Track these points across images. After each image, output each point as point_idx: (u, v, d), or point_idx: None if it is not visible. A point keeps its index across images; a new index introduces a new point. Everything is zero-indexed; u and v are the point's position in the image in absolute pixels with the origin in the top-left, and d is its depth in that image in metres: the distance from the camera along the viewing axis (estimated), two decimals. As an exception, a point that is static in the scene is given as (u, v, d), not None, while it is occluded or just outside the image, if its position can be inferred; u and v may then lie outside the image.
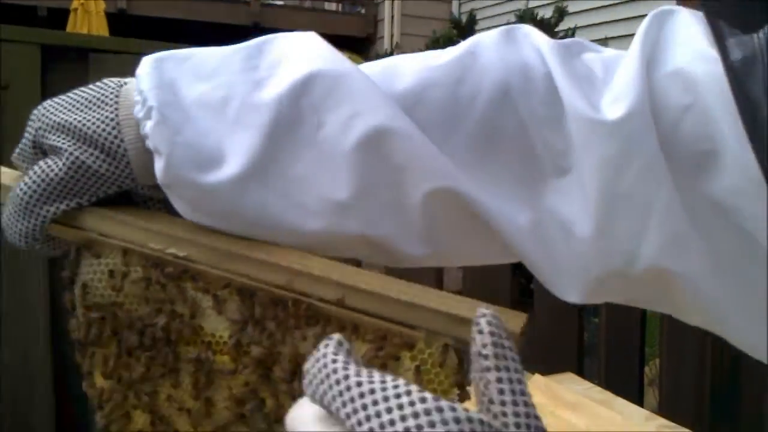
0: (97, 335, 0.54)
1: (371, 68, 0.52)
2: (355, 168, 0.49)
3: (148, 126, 0.48)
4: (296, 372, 0.49)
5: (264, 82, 0.49)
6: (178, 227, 0.51)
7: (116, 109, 0.50)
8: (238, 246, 0.49)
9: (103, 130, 0.49)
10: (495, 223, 0.50)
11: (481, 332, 0.30)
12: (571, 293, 0.52)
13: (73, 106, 0.51)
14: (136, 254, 0.51)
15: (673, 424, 1.07)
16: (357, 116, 0.48)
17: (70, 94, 0.52)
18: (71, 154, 0.49)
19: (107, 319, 0.53)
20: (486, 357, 0.29)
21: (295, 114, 0.49)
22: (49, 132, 0.50)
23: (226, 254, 0.49)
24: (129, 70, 0.52)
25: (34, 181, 0.50)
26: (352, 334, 0.48)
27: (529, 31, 0.53)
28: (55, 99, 0.52)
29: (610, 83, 0.49)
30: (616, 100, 0.47)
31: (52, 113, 0.51)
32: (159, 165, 0.48)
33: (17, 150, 0.53)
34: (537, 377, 1.21)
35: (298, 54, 0.51)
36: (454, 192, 0.49)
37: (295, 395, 0.48)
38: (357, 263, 0.52)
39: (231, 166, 0.48)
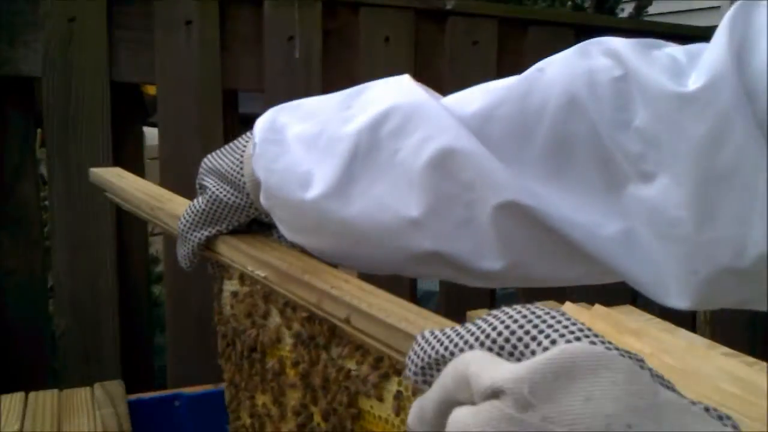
0: (223, 347, 0.68)
1: (449, 98, 0.56)
2: (425, 187, 0.53)
3: (254, 158, 0.60)
4: (326, 387, 0.55)
5: (352, 118, 0.56)
6: (267, 252, 0.61)
7: (243, 151, 0.63)
8: (293, 269, 0.57)
9: (233, 169, 0.63)
10: (577, 236, 0.50)
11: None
12: (680, 300, 0.50)
13: (220, 156, 0.65)
14: (242, 274, 0.63)
15: (734, 351, 1.00)
16: (428, 139, 0.52)
17: (224, 148, 0.66)
18: (211, 190, 0.64)
19: (228, 332, 0.66)
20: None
21: (374, 142, 0.55)
22: (204, 175, 0.66)
23: (283, 275, 0.58)
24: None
25: (187, 214, 0.67)
26: (356, 352, 0.53)
27: (603, 39, 0.52)
28: (215, 152, 0.66)
29: (696, 66, 0.47)
30: (702, 75, 0.45)
31: (208, 161, 0.66)
32: (262, 191, 0.60)
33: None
34: (598, 307, 1.17)
35: (386, 92, 0.57)
36: (522, 206, 0.50)
37: (329, 412, 0.54)
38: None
39: (316, 188, 0.56)
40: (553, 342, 0.32)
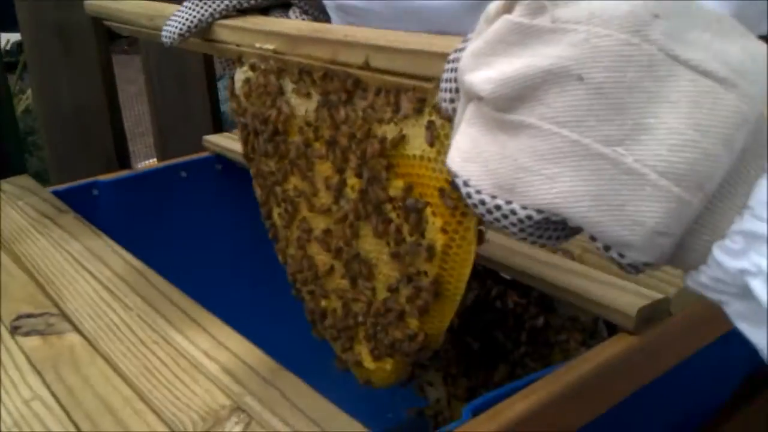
0: (245, 137, 0.64)
1: None
2: None
3: None
4: (354, 144, 0.52)
5: None
6: (272, 24, 0.59)
7: None
8: (305, 30, 0.55)
9: None
10: None
11: None
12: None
13: None
14: (251, 59, 0.60)
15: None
16: None
17: None
18: None
19: (248, 122, 0.63)
20: None
21: None
22: None
23: (295, 39, 0.56)
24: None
25: None
26: (379, 97, 0.50)
27: None
28: None
29: None
30: None
31: None
32: None
33: None
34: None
35: None
36: None
37: (361, 167, 0.52)
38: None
39: None
40: None
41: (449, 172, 0.33)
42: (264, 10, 0.66)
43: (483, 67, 0.30)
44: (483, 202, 0.31)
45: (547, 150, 0.28)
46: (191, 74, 1.42)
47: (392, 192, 0.49)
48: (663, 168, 0.27)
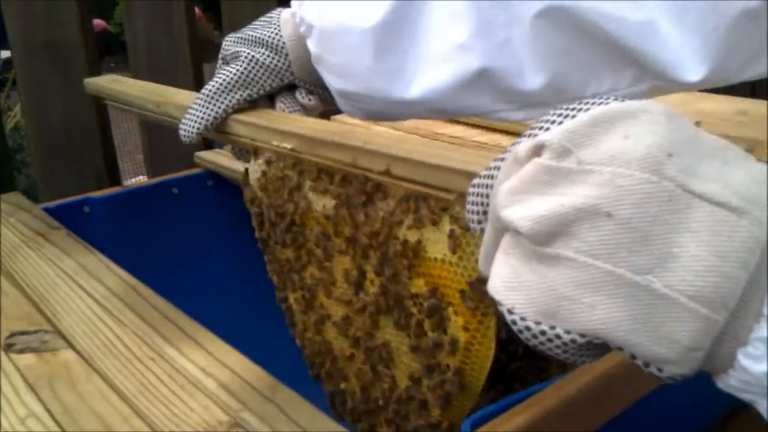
0: (260, 226, 0.67)
1: None
2: (468, 14, 0.58)
3: (303, 7, 0.63)
4: (375, 242, 0.55)
5: None
6: (288, 123, 0.62)
7: (278, 18, 0.66)
8: (323, 133, 0.57)
9: (270, 34, 0.66)
10: (610, 27, 0.54)
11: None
12: (698, 70, 0.55)
13: (248, 28, 0.68)
14: (267, 153, 0.63)
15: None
16: None
17: (254, 22, 0.68)
18: (247, 53, 0.66)
19: (263, 212, 0.66)
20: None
21: None
22: (231, 45, 0.67)
23: (313, 141, 0.58)
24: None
25: (220, 78, 0.67)
26: (400, 201, 0.53)
27: None
28: (243, 28, 0.68)
29: None
30: None
31: (233, 35, 0.68)
32: (312, 38, 0.63)
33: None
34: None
35: None
36: (557, 8, 0.55)
37: (382, 264, 0.54)
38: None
39: (371, 19, 0.59)
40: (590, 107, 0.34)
41: (493, 299, 0.36)
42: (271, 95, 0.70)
43: (518, 204, 0.34)
44: (528, 328, 0.34)
45: (585, 280, 0.32)
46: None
47: (413, 289, 0.52)
48: (691, 292, 0.30)
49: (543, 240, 0.33)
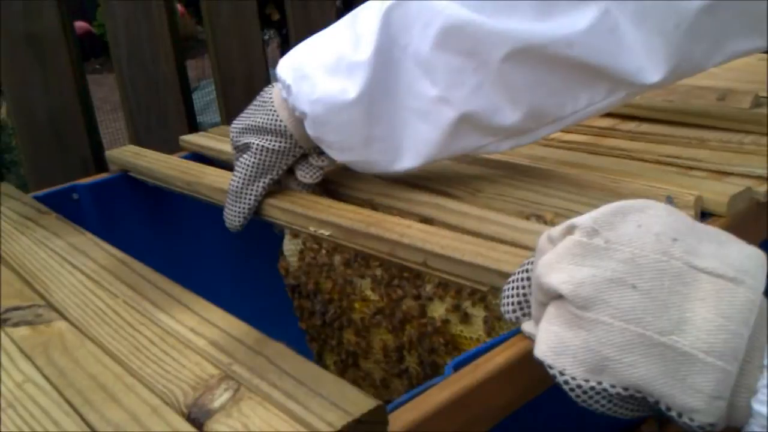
0: (297, 299, 0.75)
1: None
2: (437, 67, 0.64)
3: (292, 98, 0.69)
4: (411, 322, 0.61)
5: (359, 38, 0.66)
6: (323, 210, 0.67)
7: (272, 103, 0.72)
8: (359, 224, 0.63)
9: (270, 120, 0.72)
10: (569, 51, 0.61)
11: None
12: (658, 70, 0.61)
13: (249, 115, 0.74)
14: (306, 236, 0.70)
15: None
16: (428, 25, 0.63)
17: (246, 110, 0.75)
18: (257, 144, 0.73)
19: (301, 286, 0.73)
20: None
21: (386, 43, 0.65)
22: (239, 136, 0.75)
23: (350, 231, 0.63)
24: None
25: (239, 172, 0.75)
26: (440, 289, 0.60)
27: None
28: (238, 117, 0.76)
29: None
30: None
31: (237, 124, 0.75)
32: (307, 123, 0.70)
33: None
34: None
35: (374, 7, 0.67)
36: (520, 49, 0.62)
37: (420, 341, 0.61)
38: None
39: (353, 91, 0.66)
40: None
41: (540, 362, 0.42)
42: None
43: (557, 272, 0.40)
44: (579, 386, 0.40)
45: (622, 342, 0.38)
46: (165, 82, 1.43)
47: (449, 360, 0.58)
48: (706, 348, 0.36)
49: (582, 303, 0.39)
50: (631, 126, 0.88)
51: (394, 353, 0.64)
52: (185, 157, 1.02)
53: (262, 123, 0.72)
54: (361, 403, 0.41)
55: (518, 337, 0.50)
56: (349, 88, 0.66)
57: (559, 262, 0.41)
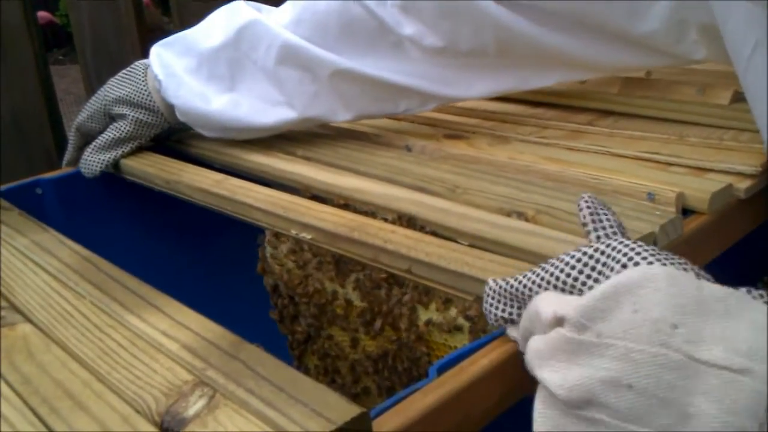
0: (276, 299, 0.76)
1: (272, 12, 0.84)
2: (280, 79, 0.82)
3: (162, 91, 0.86)
4: (394, 327, 0.62)
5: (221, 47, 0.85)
6: (309, 215, 0.67)
7: (145, 83, 0.88)
8: (343, 228, 0.62)
9: (144, 98, 0.88)
10: (380, 76, 0.80)
11: (581, 209, 0.46)
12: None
13: (122, 86, 0.89)
14: (289, 239, 0.72)
15: None
16: (270, 47, 0.81)
17: (117, 76, 0.90)
18: (132, 116, 0.88)
19: (279, 287, 0.74)
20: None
21: (239, 59, 0.84)
22: (113, 105, 0.89)
23: (333, 236, 0.63)
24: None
25: (113, 133, 0.89)
26: (423, 296, 0.60)
27: None
28: (110, 81, 0.90)
29: None
30: None
31: (111, 93, 0.89)
32: (178, 112, 0.87)
33: (85, 116, 0.92)
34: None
35: (230, 19, 0.85)
36: (343, 70, 0.80)
37: (400, 347, 0.62)
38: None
39: (214, 102, 0.85)
40: (607, 278, 0.40)
41: None
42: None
43: (550, 370, 0.38)
44: None
45: None
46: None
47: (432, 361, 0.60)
48: None
49: (578, 405, 0.37)
50: (609, 121, 0.87)
51: (375, 359, 0.63)
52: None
53: (138, 99, 0.87)
54: (343, 410, 0.39)
55: (502, 339, 0.48)
56: (210, 95, 0.84)
57: (549, 356, 0.39)
